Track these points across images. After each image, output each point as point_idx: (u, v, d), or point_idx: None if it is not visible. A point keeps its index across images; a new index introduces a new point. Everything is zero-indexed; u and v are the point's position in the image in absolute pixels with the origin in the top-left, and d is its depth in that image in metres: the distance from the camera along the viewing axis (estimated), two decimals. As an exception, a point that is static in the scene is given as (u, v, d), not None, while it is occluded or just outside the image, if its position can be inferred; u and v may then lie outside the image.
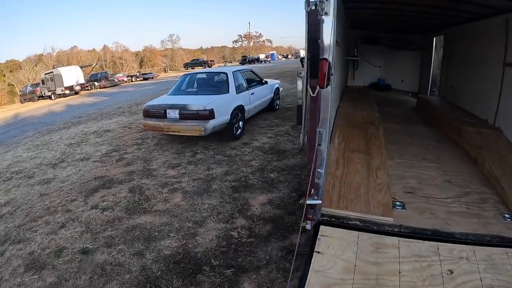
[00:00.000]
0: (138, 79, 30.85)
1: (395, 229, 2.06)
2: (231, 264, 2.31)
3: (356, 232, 2.02)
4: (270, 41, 65.52)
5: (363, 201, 2.28)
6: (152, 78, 31.58)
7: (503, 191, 2.39)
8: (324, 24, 1.77)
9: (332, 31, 1.75)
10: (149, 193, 3.60)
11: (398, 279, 1.68)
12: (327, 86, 1.83)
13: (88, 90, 22.72)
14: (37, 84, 23.60)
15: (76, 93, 20.96)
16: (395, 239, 1.95)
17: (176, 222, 2.95)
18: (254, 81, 6.39)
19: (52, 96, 20.79)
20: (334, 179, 2.52)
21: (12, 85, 36.50)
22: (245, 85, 5.76)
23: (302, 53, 29.20)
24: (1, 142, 8.34)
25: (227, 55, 61.55)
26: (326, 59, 1.79)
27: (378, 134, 3.43)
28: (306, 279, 1.69)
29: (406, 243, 1.92)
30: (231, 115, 5.01)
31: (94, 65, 31.01)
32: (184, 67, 43.33)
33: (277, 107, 7.28)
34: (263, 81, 6.63)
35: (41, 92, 22.04)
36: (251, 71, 6.63)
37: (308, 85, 1.90)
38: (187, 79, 6.16)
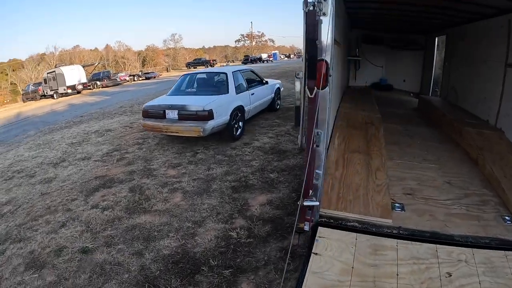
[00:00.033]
0: (140, 79, 30.95)
1: (394, 231, 2.05)
2: (230, 264, 2.32)
3: (354, 234, 2.02)
4: (273, 41, 65.65)
5: (362, 202, 2.27)
6: (154, 77, 31.69)
7: (504, 193, 2.37)
8: (322, 24, 1.77)
9: (330, 32, 1.74)
10: (149, 192, 3.61)
11: (396, 282, 1.67)
12: (325, 87, 1.83)
13: (90, 89, 22.74)
14: (39, 83, 23.68)
15: (78, 92, 21.00)
16: (393, 241, 1.94)
17: (175, 222, 2.96)
18: (255, 81, 6.36)
19: (54, 95, 20.86)
20: (334, 180, 2.51)
21: (15, 84, 36.65)
22: (245, 85, 5.74)
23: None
24: (3, 141, 8.40)
25: (229, 55, 61.58)
26: (324, 60, 1.78)
27: (379, 135, 3.42)
28: (303, 280, 1.69)
29: (404, 245, 1.91)
30: (231, 115, 4.99)
31: (96, 64, 31.06)
32: (186, 66, 43.53)
33: (278, 107, 7.25)
34: (264, 81, 6.59)
35: (43, 91, 22.10)
36: (252, 71, 6.59)
37: (306, 86, 1.90)
38: (186, 79, 6.14)
